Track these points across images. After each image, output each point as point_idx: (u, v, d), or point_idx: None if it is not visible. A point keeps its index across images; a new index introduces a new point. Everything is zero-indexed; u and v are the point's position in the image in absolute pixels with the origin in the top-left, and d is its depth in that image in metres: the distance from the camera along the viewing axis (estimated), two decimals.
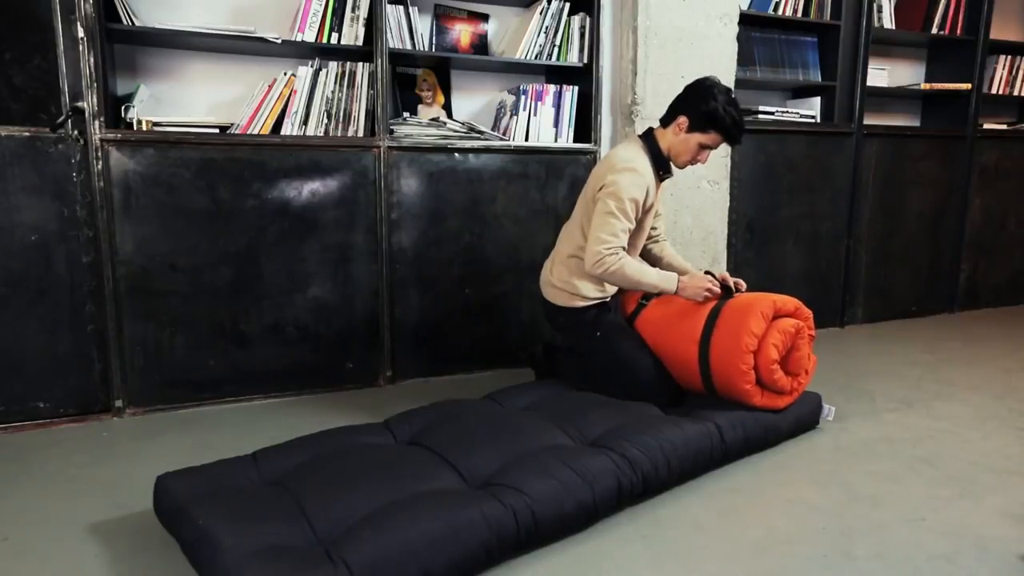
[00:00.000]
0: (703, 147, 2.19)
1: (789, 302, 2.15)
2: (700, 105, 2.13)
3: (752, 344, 2.04)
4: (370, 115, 2.60)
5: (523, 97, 2.81)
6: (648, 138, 2.27)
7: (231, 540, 1.37)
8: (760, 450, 2.10)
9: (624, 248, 2.16)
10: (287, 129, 2.50)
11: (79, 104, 2.22)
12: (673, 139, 2.21)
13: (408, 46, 2.66)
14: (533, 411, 2.08)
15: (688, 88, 2.21)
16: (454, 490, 1.60)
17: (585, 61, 2.90)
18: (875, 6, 3.46)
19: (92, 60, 2.20)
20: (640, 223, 2.28)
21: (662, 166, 2.26)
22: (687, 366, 2.17)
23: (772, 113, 3.34)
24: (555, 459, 1.70)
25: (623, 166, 2.17)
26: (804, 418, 2.22)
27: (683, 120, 2.17)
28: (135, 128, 2.32)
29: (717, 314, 2.14)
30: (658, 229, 2.50)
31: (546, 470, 1.64)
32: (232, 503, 1.52)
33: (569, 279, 2.31)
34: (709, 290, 2.16)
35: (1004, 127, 4.01)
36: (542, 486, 1.59)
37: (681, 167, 2.29)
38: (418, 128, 2.68)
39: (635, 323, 2.34)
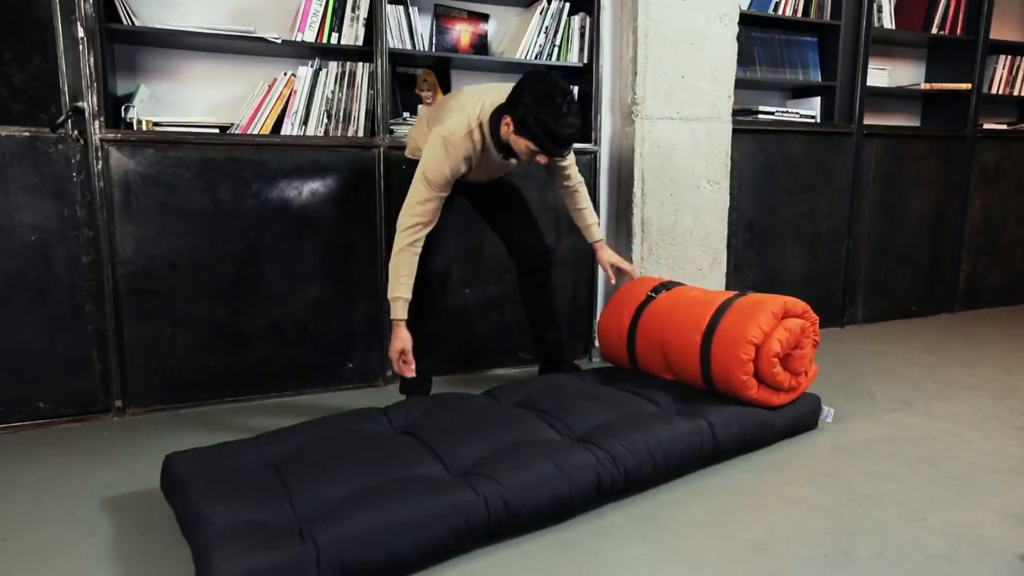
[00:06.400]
0: (533, 152, 2.03)
1: (799, 304, 2.19)
2: (518, 108, 1.97)
3: (757, 337, 2.06)
4: (370, 115, 2.60)
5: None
6: (494, 121, 2.08)
7: (216, 516, 1.45)
8: (756, 448, 2.10)
9: (422, 223, 2.07)
10: (287, 129, 2.50)
11: (79, 104, 2.22)
12: (506, 135, 2.06)
13: (408, 46, 2.66)
14: (527, 407, 2.09)
15: (518, 83, 2.02)
16: (432, 477, 1.64)
17: (585, 61, 2.90)
18: (875, 6, 3.46)
19: (92, 60, 2.20)
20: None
21: (503, 151, 2.11)
22: (688, 354, 2.19)
23: (772, 113, 3.34)
24: (537, 452, 1.73)
25: (436, 138, 2.05)
26: (802, 419, 2.22)
27: (508, 120, 2.02)
28: (135, 128, 2.32)
29: (727, 308, 2.17)
30: (571, 179, 2.39)
31: (526, 462, 1.68)
32: (226, 483, 1.61)
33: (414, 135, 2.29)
34: (399, 357, 2.12)
35: (1004, 127, 4.01)
36: (517, 476, 1.63)
37: (524, 163, 2.15)
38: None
39: (643, 313, 2.37)
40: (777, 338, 2.08)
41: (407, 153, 2.37)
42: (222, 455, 1.78)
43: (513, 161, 2.16)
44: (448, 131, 2.06)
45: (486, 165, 2.18)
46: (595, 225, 2.46)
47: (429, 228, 2.10)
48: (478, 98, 2.13)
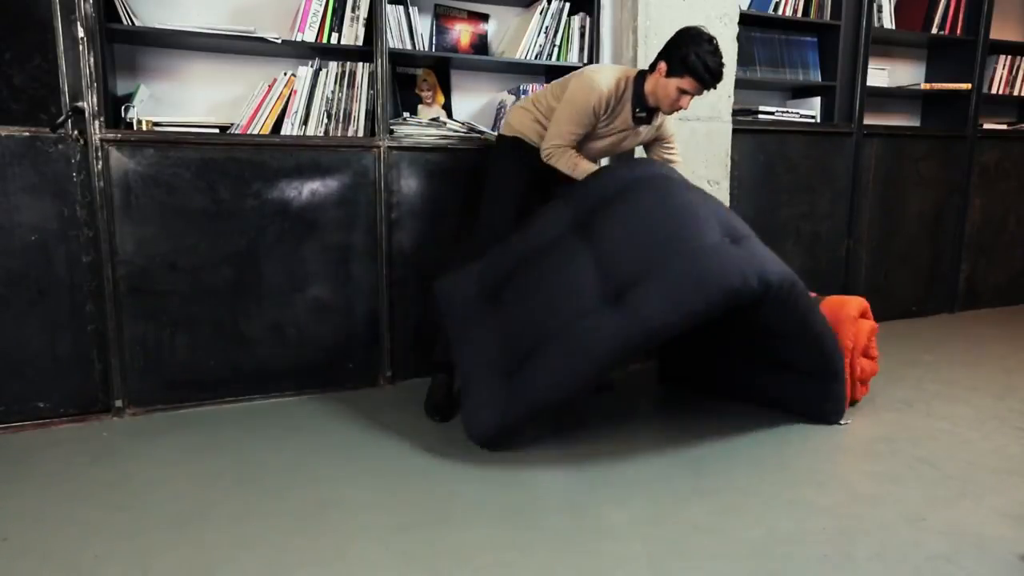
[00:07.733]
0: (682, 92, 2.28)
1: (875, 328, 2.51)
2: (676, 51, 2.26)
3: (856, 311, 2.42)
4: (370, 115, 2.60)
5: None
6: (639, 78, 2.38)
7: (463, 358, 2.21)
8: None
9: (563, 147, 2.37)
10: (287, 129, 2.50)
11: (79, 104, 2.22)
12: (655, 84, 2.32)
13: (408, 46, 2.66)
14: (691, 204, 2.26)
15: (672, 37, 2.33)
16: (590, 324, 2.01)
17: (585, 61, 2.90)
18: (875, 6, 3.46)
19: (92, 60, 2.20)
20: (600, 135, 2.44)
21: (640, 106, 2.39)
22: None
23: (772, 113, 3.34)
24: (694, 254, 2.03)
25: (587, 73, 2.35)
26: (813, 408, 2.33)
27: (662, 66, 2.29)
28: (135, 128, 2.32)
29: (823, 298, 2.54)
30: (673, 157, 2.60)
31: (671, 289, 1.98)
32: (467, 319, 2.26)
33: (513, 113, 2.56)
34: None
35: (1004, 127, 4.01)
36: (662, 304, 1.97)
37: (667, 112, 2.40)
38: (418, 128, 2.68)
39: None
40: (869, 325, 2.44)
41: (502, 130, 2.57)
42: (464, 281, 2.31)
43: (642, 129, 2.46)
44: (600, 72, 2.35)
45: (610, 124, 2.41)
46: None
47: (571, 148, 2.38)
48: (616, 65, 2.48)
